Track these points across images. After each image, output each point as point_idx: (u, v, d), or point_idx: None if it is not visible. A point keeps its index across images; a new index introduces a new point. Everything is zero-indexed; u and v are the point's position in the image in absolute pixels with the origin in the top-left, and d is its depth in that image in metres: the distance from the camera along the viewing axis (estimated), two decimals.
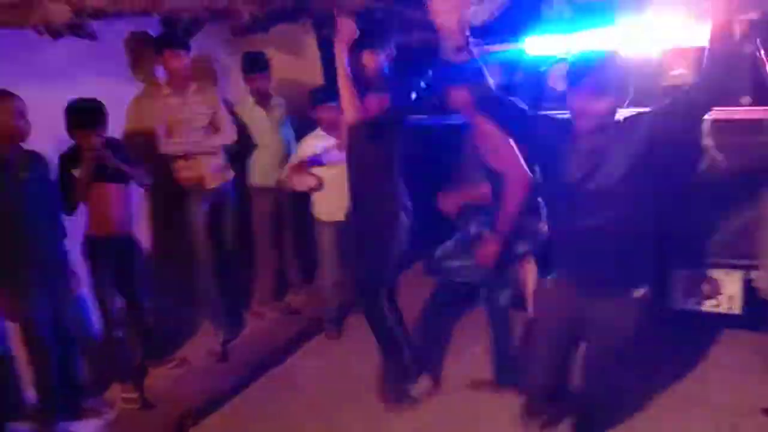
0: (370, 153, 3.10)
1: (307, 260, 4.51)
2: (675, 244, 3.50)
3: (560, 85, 3.56)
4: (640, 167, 2.20)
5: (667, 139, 2.21)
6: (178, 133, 3.71)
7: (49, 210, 2.97)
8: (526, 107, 2.63)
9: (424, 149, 4.18)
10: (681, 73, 3.86)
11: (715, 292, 3.46)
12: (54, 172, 3.12)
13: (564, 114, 2.34)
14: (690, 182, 3.42)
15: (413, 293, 4.38)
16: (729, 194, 3.40)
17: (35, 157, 2.93)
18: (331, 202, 3.80)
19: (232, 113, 4.02)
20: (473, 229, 3.25)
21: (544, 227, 2.95)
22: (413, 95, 3.29)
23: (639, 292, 2.35)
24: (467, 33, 2.37)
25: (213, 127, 3.84)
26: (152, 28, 3.78)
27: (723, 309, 3.47)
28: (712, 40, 2.10)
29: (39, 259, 2.87)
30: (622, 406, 3.08)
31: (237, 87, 4.28)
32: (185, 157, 3.76)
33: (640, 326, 2.41)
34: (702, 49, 3.76)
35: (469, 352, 3.73)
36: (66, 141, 3.17)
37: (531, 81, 4.02)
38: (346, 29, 2.94)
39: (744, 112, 3.63)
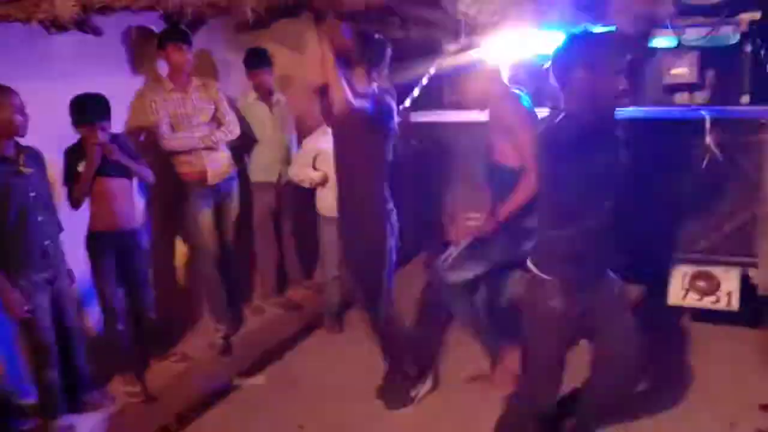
0: (356, 150, 3.07)
1: (308, 255, 4.54)
2: (674, 241, 3.54)
3: None
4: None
5: None
6: (181, 128, 3.72)
7: (47, 205, 2.97)
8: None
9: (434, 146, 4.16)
10: (682, 72, 3.89)
11: (713, 289, 3.50)
12: (49, 168, 3.13)
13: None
14: (690, 179, 3.45)
15: (411, 291, 4.43)
16: (728, 192, 3.43)
17: (33, 153, 2.93)
18: (335, 198, 3.82)
19: (234, 109, 4.03)
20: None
21: None
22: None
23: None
24: None
25: (216, 122, 3.85)
26: (155, 23, 3.78)
27: (721, 305, 3.51)
28: None
29: (39, 253, 2.87)
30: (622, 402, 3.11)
31: (239, 83, 4.29)
32: (188, 152, 3.76)
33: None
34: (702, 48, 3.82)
35: (468, 348, 3.75)
36: (70, 136, 3.18)
37: (532, 78, 4.04)
38: (332, 27, 2.97)
39: (743, 110, 3.67)
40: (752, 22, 3.82)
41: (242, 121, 4.04)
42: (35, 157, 2.92)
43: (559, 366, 2.52)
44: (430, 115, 4.16)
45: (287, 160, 4.27)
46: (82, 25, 3.04)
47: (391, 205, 3.19)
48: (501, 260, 3.10)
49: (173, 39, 3.65)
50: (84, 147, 3.14)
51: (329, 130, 3.89)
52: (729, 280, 3.49)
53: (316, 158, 3.93)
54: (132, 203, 3.40)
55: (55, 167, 3.20)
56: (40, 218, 2.87)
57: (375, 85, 3.07)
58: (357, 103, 2.87)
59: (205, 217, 3.87)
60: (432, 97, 4.36)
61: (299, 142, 4.28)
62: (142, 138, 3.73)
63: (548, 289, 2.38)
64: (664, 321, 3.78)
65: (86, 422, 3.08)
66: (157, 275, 3.72)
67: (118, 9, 3.14)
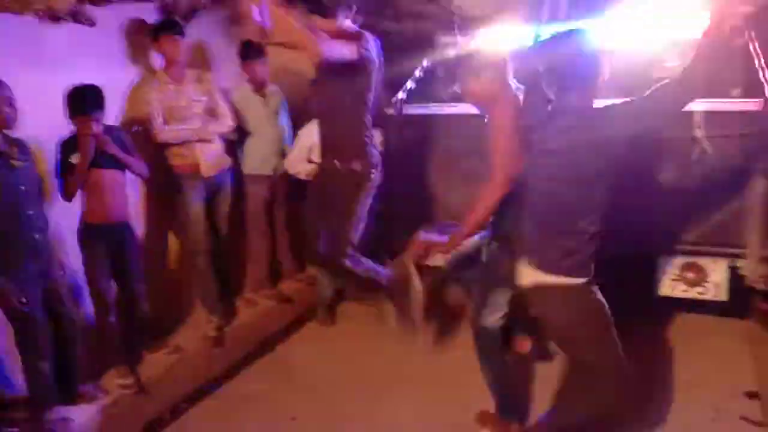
0: (337, 96, 3.00)
1: (302, 248, 4.55)
2: (664, 232, 3.57)
3: None
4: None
5: (645, 129, 2.26)
6: (175, 120, 3.72)
7: (36, 199, 2.96)
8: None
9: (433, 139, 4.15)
10: (674, 65, 3.91)
11: (701, 280, 3.53)
12: (42, 160, 3.13)
13: None
14: (680, 171, 3.47)
15: None
16: (717, 184, 3.46)
17: (22, 145, 2.92)
18: None
19: (228, 101, 4.03)
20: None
21: None
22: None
23: None
24: None
25: (210, 114, 3.85)
26: (149, 15, 3.78)
27: (709, 296, 3.54)
28: (705, 35, 2.15)
29: (30, 246, 2.86)
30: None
31: (233, 75, 4.29)
32: (181, 144, 3.76)
33: None
34: (695, 42, 3.85)
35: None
36: (63, 127, 3.18)
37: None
38: None
39: (734, 103, 3.70)
40: (744, 15, 3.85)
41: (236, 113, 4.05)
42: (24, 150, 2.90)
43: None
44: (425, 108, 4.16)
45: (281, 153, 4.28)
46: (77, 15, 3.04)
47: (374, 150, 3.14)
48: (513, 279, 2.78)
49: (167, 31, 3.65)
50: (78, 139, 3.14)
51: None
52: (717, 271, 3.52)
53: (312, 151, 3.94)
54: (125, 196, 3.39)
55: (48, 159, 3.21)
56: (30, 212, 2.86)
57: (345, 25, 3.01)
58: (329, 49, 2.72)
59: (198, 209, 3.87)
60: (432, 90, 4.37)
61: (294, 135, 4.29)
62: (136, 130, 3.72)
63: (590, 289, 2.37)
64: (654, 311, 3.83)
65: (79, 414, 3.07)
66: (150, 267, 3.72)
67: (113, 0, 3.14)
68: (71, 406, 3.06)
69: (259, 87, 4.20)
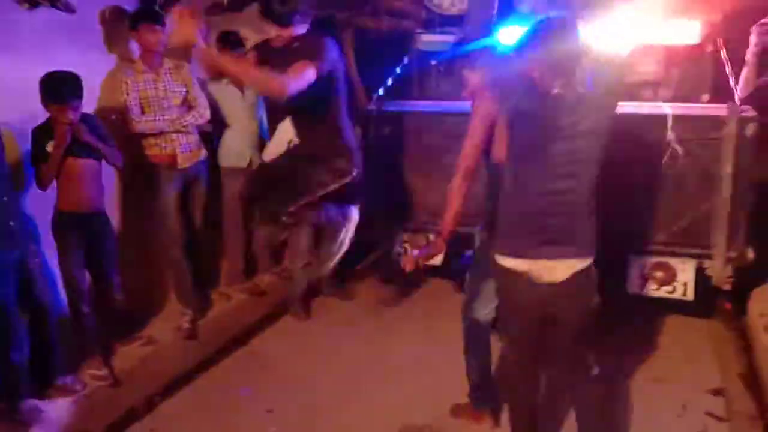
0: (307, 109, 2.98)
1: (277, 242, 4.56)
2: (635, 232, 3.66)
3: None
4: None
5: None
6: (151, 110, 3.68)
7: (9, 185, 2.91)
8: None
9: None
10: (647, 70, 4.02)
11: (670, 279, 3.64)
12: (15, 147, 3.07)
13: None
14: (651, 173, 3.56)
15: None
16: (687, 186, 3.56)
17: None
18: None
19: (206, 92, 4.00)
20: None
21: None
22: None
23: None
24: None
25: (186, 105, 3.82)
26: (128, 3, 3.73)
27: (677, 295, 3.65)
28: None
29: (5, 233, 2.81)
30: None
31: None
32: (157, 135, 3.73)
33: None
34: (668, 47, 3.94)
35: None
36: (37, 113, 3.12)
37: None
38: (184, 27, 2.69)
39: (704, 108, 3.81)
40: (714, 24, 3.97)
41: (213, 104, 4.02)
42: None
43: None
44: (405, 104, 4.19)
45: (258, 146, 4.27)
46: (55, 1, 2.99)
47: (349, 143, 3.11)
48: None
49: (146, 20, 3.60)
50: (53, 126, 3.09)
51: None
52: (685, 271, 3.63)
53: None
54: (100, 185, 3.35)
55: (22, 145, 3.15)
56: (4, 198, 2.80)
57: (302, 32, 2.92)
58: (294, 84, 2.67)
59: (173, 200, 3.84)
60: (413, 87, 4.40)
61: (271, 128, 4.28)
62: (113, 119, 3.67)
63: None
64: (623, 309, 3.92)
65: (52, 406, 3.03)
66: (124, 258, 3.68)
67: None
68: (45, 399, 3.02)
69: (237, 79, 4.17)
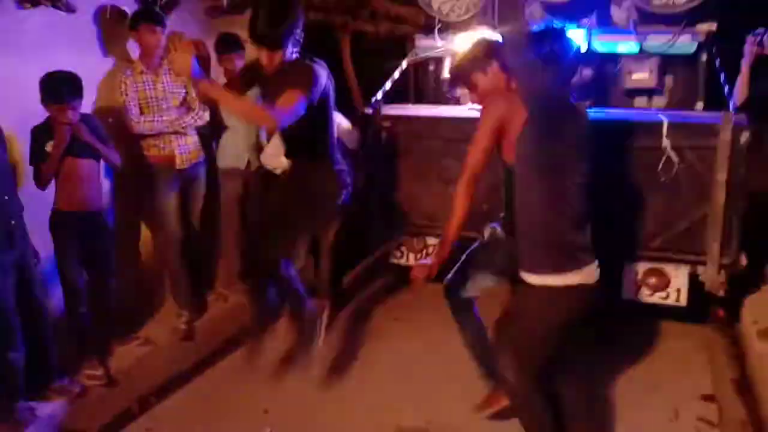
0: (297, 135, 2.95)
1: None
2: (629, 238, 3.69)
3: None
4: None
5: None
6: (150, 111, 3.69)
7: (10, 184, 2.92)
8: None
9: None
10: (642, 77, 4.07)
11: (664, 285, 3.67)
12: (15, 146, 3.08)
13: None
14: (647, 179, 3.59)
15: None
16: (681, 193, 3.59)
17: None
18: None
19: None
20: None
21: None
22: None
23: None
24: None
25: (186, 106, 3.83)
26: (127, 3, 3.74)
27: (671, 301, 3.68)
28: None
29: (4, 233, 2.81)
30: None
31: (210, 67, 4.27)
32: (156, 136, 3.74)
33: None
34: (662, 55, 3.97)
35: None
36: (37, 113, 3.13)
37: None
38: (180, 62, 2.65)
39: (698, 116, 3.85)
40: (709, 33, 4.02)
41: (212, 106, 4.03)
42: None
43: None
44: (403, 108, 4.22)
45: (256, 148, 4.27)
46: (56, 1, 3.00)
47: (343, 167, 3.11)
48: (508, 266, 2.77)
49: (147, 20, 3.62)
50: (53, 126, 3.10)
51: None
52: (678, 278, 3.66)
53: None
54: (99, 185, 3.36)
55: (21, 145, 3.15)
56: (5, 197, 2.81)
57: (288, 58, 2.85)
58: (284, 117, 2.66)
59: (171, 201, 3.85)
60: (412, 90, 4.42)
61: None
62: (110, 119, 3.68)
63: None
64: (616, 314, 3.95)
65: (47, 406, 3.03)
66: (122, 258, 3.68)
67: None
68: (42, 401, 3.02)
69: None
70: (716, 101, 3.91)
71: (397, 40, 5.57)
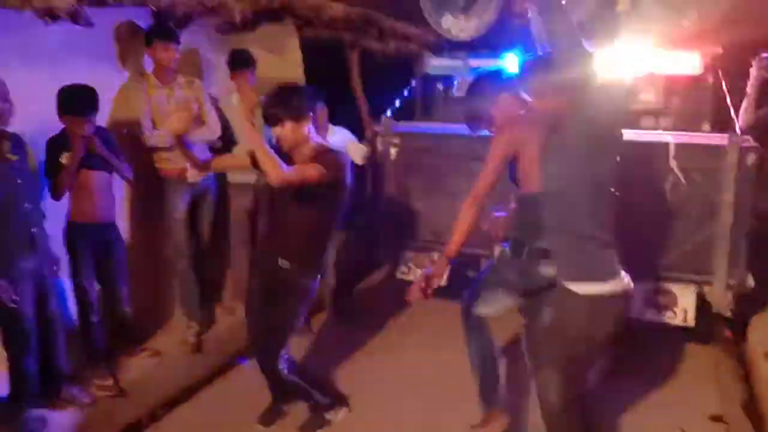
0: (296, 218, 2.86)
1: None
2: (637, 257, 3.71)
3: None
4: None
5: None
6: (163, 124, 3.74)
7: (31, 192, 2.96)
8: None
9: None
10: (649, 98, 4.12)
11: (671, 305, 3.68)
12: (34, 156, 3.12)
13: None
14: (654, 199, 3.62)
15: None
16: (688, 213, 3.62)
17: (17, 140, 2.92)
18: None
19: (217, 109, 4.06)
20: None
21: None
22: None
23: None
24: None
25: (198, 121, 3.87)
26: (143, 19, 3.80)
27: (678, 321, 3.69)
28: None
29: (26, 241, 2.86)
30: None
31: (222, 83, 4.32)
32: (168, 149, 3.77)
33: None
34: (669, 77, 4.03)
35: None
36: (51, 124, 3.17)
37: None
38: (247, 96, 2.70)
39: (704, 137, 3.89)
40: (715, 56, 4.08)
41: (224, 121, 4.08)
42: (19, 144, 2.90)
43: None
44: (413, 125, 4.27)
45: None
46: (75, 16, 3.05)
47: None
48: (523, 285, 2.85)
49: (161, 37, 3.67)
50: (68, 138, 3.14)
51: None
52: (685, 297, 3.68)
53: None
54: (111, 196, 3.40)
55: (37, 155, 3.19)
56: (27, 205, 2.85)
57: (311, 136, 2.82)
58: (290, 177, 2.60)
59: (182, 214, 3.88)
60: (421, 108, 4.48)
61: None
62: (123, 132, 3.72)
63: None
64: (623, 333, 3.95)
65: (57, 415, 3.04)
66: (131, 269, 3.71)
67: (111, 3, 3.17)
68: (52, 409, 3.03)
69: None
70: (722, 123, 3.95)
71: (405, 58, 5.64)
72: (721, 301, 3.57)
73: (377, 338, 4.27)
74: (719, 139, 3.64)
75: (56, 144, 3.17)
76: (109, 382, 3.30)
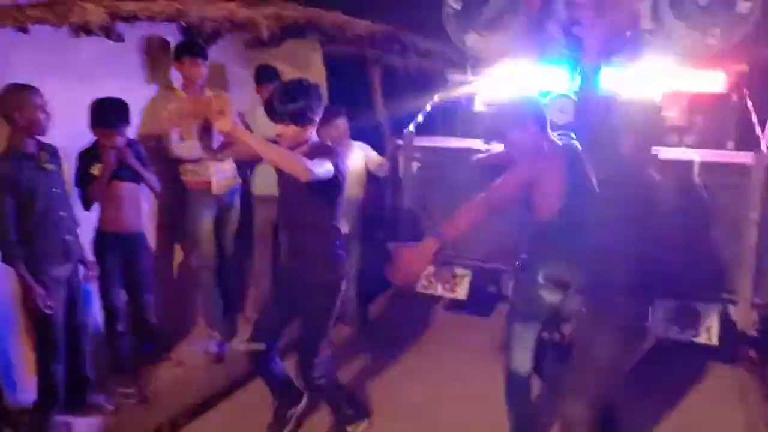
0: (307, 211, 2.89)
1: None
2: (660, 275, 3.68)
3: (561, 118, 3.72)
4: None
5: None
6: (190, 137, 3.80)
7: (67, 201, 3.04)
8: None
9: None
10: (673, 116, 4.10)
11: (694, 324, 3.64)
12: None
13: None
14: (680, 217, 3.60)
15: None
16: (712, 231, 3.59)
17: (53, 150, 3.01)
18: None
19: (243, 123, 4.12)
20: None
21: None
22: None
23: None
24: None
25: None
26: (172, 34, 3.89)
27: (702, 340, 3.64)
28: None
29: (61, 248, 2.94)
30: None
31: (249, 97, 4.40)
32: (194, 161, 3.84)
33: None
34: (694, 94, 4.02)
35: None
36: (80, 136, 3.25)
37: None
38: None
39: (729, 155, 3.86)
40: (740, 73, 4.06)
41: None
42: (54, 154, 2.99)
43: None
44: (434, 140, 4.28)
45: None
46: (108, 31, 3.14)
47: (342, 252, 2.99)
48: (531, 312, 2.89)
49: (190, 53, 3.75)
50: (99, 150, 3.22)
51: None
52: (709, 316, 3.63)
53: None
54: (139, 207, 3.47)
55: (67, 167, 3.27)
56: (62, 213, 2.94)
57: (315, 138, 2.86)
58: (318, 171, 2.58)
59: (206, 226, 3.94)
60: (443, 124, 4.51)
61: None
62: (151, 145, 3.79)
63: None
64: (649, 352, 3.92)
65: (81, 422, 3.09)
66: (156, 280, 3.76)
67: (143, 18, 3.25)
68: (77, 415, 3.08)
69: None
70: (747, 141, 3.92)
71: (426, 74, 5.70)
72: (746, 320, 3.52)
73: (397, 352, 4.27)
74: (744, 157, 3.61)
75: (88, 155, 3.25)
76: (133, 390, 3.35)
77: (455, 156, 4.13)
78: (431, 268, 4.20)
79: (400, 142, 4.24)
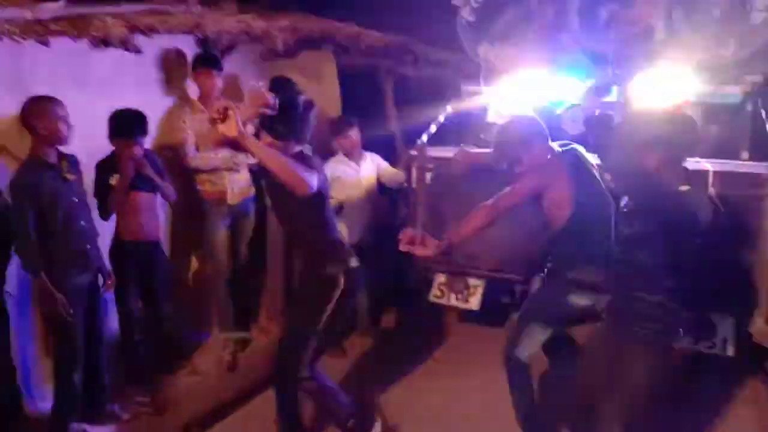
0: (301, 215, 2.89)
1: None
2: (673, 285, 3.66)
3: (573, 128, 3.74)
4: None
5: None
6: (206, 148, 3.85)
7: (87, 210, 3.09)
8: None
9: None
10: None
11: (710, 334, 3.61)
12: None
13: None
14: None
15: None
16: (727, 241, 3.57)
17: (74, 160, 3.06)
18: (348, 224, 3.98)
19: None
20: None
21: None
22: None
23: None
24: None
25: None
26: (189, 46, 3.94)
27: (717, 351, 3.62)
28: None
29: (81, 257, 2.98)
30: None
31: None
32: (210, 171, 3.89)
33: None
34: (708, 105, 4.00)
35: None
36: (97, 147, 3.30)
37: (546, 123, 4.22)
38: (257, 98, 2.73)
39: (744, 166, 3.85)
40: (755, 84, 4.06)
41: None
42: (74, 164, 3.04)
43: None
44: (447, 150, 4.30)
45: None
46: (126, 44, 3.20)
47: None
48: (556, 317, 2.97)
49: (205, 65, 3.81)
50: (117, 160, 3.26)
51: (345, 158, 4.12)
52: (725, 327, 3.60)
53: (332, 185, 4.06)
54: (156, 216, 3.51)
55: (85, 177, 3.31)
56: (82, 222, 2.98)
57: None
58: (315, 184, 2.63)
59: (221, 235, 3.98)
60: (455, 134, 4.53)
61: None
62: (167, 155, 3.84)
63: None
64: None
65: (98, 430, 3.12)
66: (172, 288, 3.80)
67: (161, 31, 3.31)
68: (93, 424, 3.11)
69: None
70: (761, 151, 3.91)
71: (439, 85, 5.72)
72: (762, 331, 3.50)
73: (409, 362, 4.27)
74: (758, 167, 3.61)
75: (106, 166, 3.30)
76: (149, 399, 3.38)
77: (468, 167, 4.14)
78: (443, 278, 4.21)
79: (414, 152, 4.26)
